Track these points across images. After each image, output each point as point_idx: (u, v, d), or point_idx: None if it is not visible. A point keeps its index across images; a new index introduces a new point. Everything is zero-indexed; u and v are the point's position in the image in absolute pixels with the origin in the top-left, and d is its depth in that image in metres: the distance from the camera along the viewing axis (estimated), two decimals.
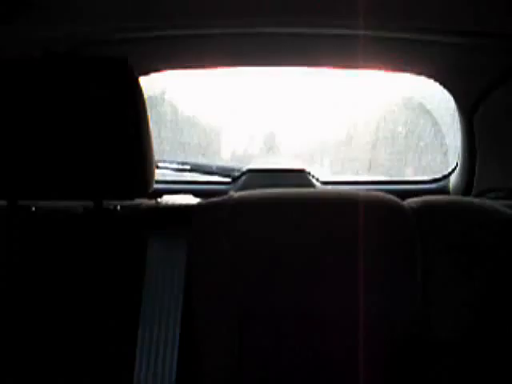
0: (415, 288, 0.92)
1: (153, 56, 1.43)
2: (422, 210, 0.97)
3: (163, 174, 1.67)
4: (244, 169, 1.68)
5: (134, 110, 0.91)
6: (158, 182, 1.00)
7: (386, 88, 1.92)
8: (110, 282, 0.95)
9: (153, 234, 0.98)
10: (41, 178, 0.93)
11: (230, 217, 0.95)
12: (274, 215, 0.96)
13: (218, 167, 1.73)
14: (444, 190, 1.69)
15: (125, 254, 0.97)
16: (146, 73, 1.50)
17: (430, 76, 1.51)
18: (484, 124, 1.50)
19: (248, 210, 0.97)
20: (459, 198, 1.48)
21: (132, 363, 0.89)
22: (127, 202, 1.03)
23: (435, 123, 1.84)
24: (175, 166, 1.72)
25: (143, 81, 1.28)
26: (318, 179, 1.66)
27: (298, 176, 1.65)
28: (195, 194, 1.14)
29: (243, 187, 1.60)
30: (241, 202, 0.98)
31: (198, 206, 1.02)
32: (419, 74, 1.51)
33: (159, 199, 1.08)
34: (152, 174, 0.96)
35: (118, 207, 1.02)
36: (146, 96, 0.95)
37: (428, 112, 1.85)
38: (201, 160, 1.92)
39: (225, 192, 1.09)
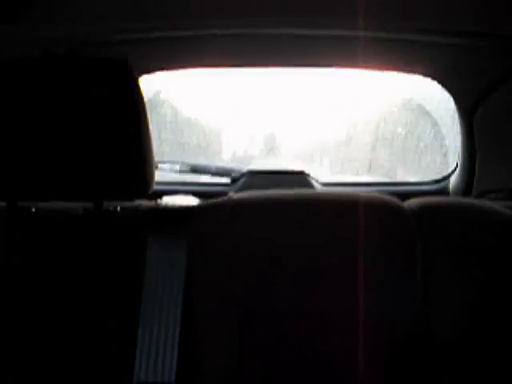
0: (415, 288, 0.92)
1: (153, 56, 1.43)
2: (422, 211, 0.97)
3: (163, 175, 1.67)
4: (244, 170, 1.68)
5: (133, 110, 0.91)
6: (157, 182, 1.00)
7: (386, 89, 1.93)
8: (110, 283, 0.95)
9: (153, 234, 0.98)
10: (41, 179, 0.93)
11: (230, 218, 0.95)
12: (273, 216, 0.96)
13: (217, 168, 1.73)
14: (444, 191, 1.69)
15: (125, 255, 0.97)
16: (146, 73, 1.50)
17: (429, 77, 1.51)
18: (484, 125, 1.50)
19: (248, 211, 0.97)
20: (459, 199, 1.48)
21: (132, 363, 0.89)
22: (127, 203, 1.03)
23: (435, 124, 1.84)
24: (175, 166, 1.71)
25: (143, 81, 1.28)
26: (317, 181, 1.66)
27: (298, 177, 1.65)
28: (195, 195, 1.14)
29: (243, 188, 1.60)
30: (241, 203, 0.98)
31: (198, 207, 1.02)
32: (419, 74, 1.51)
33: (159, 200, 1.07)
34: (152, 174, 0.96)
35: (118, 208, 1.02)
36: (145, 97, 0.95)
37: (428, 113, 1.85)
38: (201, 161, 1.92)
39: (225, 193, 1.09)
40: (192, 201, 1.09)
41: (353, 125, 2.09)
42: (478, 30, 1.15)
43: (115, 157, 0.92)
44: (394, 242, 0.94)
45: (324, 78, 1.83)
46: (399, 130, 1.99)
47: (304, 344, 0.92)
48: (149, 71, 1.50)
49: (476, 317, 0.93)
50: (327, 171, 2.04)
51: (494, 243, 0.95)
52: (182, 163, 1.73)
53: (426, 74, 1.51)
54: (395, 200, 0.99)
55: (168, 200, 1.08)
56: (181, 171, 1.71)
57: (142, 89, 0.93)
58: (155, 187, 0.98)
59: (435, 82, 1.52)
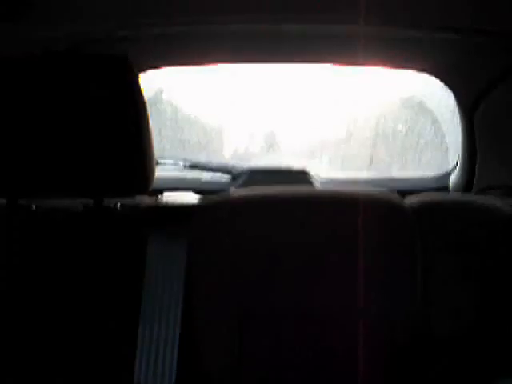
0: (415, 287, 0.92)
1: (153, 53, 1.42)
2: (422, 208, 0.97)
3: (164, 172, 1.67)
4: (244, 167, 1.68)
5: (133, 107, 0.91)
6: (158, 179, 1.00)
7: (387, 86, 1.92)
8: (110, 281, 0.95)
9: (153, 232, 0.98)
10: (41, 176, 0.93)
11: (230, 216, 0.95)
12: (273, 214, 0.96)
13: (218, 165, 1.73)
14: (444, 188, 1.68)
15: (125, 253, 0.97)
16: (146, 70, 1.50)
17: (430, 74, 1.51)
18: (484, 122, 1.50)
19: (248, 208, 0.97)
20: (459, 195, 1.48)
21: (132, 363, 0.89)
22: (127, 200, 1.03)
23: (435, 121, 1.83)
24: (175, 163, 1.71)
25: (143, 78, 1.28)
26: (318, 178, 1.66)
27: (299, 175, 1.65)
28: (195, 191, 1.13)
29: (243, 185, 1.60)
30: (241, 200, 0.98)
31: (198, 204, 1.02)
32: (420, 71, 1.51)
33: (159, 196, 1.07)
34: (152, 171, 0.96)
35: (118, 205, 1.02)
36: (146, 95, 0.95)
37: (428, 110, 1.85)
38: (201, 158, 1.91)
39: (225, 190, 1.09)
40: (192, 197, 1.08)
41: (353, 122, 2.09)
42: (479, 27, 1.15)
43: (115, 153, 0.92)
44: (394, 239, 0.94)
45: (324, 75, 1.83)
46: (399, 126, 1.98)
47: (304, 344, 0.92)
48: (149, 68, 1.49)
49: (476, 316, 0.93)
50: (327, 168, 2.04)
51: (494, 241, 0.95)
52: (183, 159, 1.73)
53: (426, 71, 1.50)
54: (395, 197, 0.99)
55: (168, 196, 1.08)
56: (181, 167, 1.71)
57: (142, 86, 0.93)
58: (155, 184, 0.98)
59: (436, 79, 1.52)
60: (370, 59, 1.46)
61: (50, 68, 0.90)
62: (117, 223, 1.00)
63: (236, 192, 1.02)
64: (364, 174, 1.99)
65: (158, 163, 1.31)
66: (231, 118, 2.09)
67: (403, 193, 1.03)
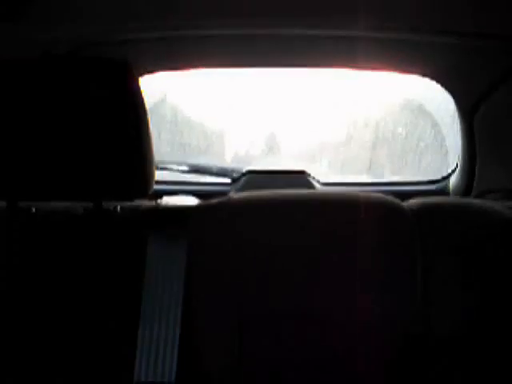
0: (415, 288, 0.92)
1: (153, 57, 1.43)
2: (421, 211, 0.97)
3: (166, 175, 1.67)
4: (244, 170, 1.68)
5: (133, 110, 0.91)
6: (157, 182, 1.00)
7: (386, 89, 1.93)
8: (110, 283, 0.95)
9: (153, 234, 0.98)
10: (41, 179, 0.93)
11: (230, 218, 0.95)
12: (273, 216, 0.96)
13: (218, 168, 1.73)
14: (444, 191, 1.69)
15: (125, 255, 0.97)
16: (147, 73, 1.50)
17: (430, 77, 1.51)
18: (484, 125, 1.50)
19: (247, 211, 0.97)
20: (459, 199, 1.48)
21: (132, 363, 0.89)
22: (127, 203, 1.03)
23: (435, 124, 1.84)
24: (175, 166, 1.71)
25: (143, 82, 1.28)
26: (318, 181, 1.66)
27: (298, 177, 1.65)
28: (195, 194, 1.14)
29: (243, 188, 1.60)
30: (240, 203, 0.98)
31: (198, 207, 1.02)
32: (419, 75, 1.51)
33: (159, 200, 1.08)
34: (152, 174, 0.96)
35: (118, 208, 1.02)
36: (145, 97, 0.95)
37: (428, 113, 1.85)
38: (201, 161, 1.92)
39: (225, 193, 1.09)
40: (192, 201, 1.09)
41: (353, 125, 2.09)
42: (478, 30, 1.15)
43: (115, 157, 0.92)
44: (394, 242, 0.94)
45: (325, 79, 1.83)
46: (399, 130, 1.99)
47: (304, 344, 0.92)
48: (149, 71, 1.50)
49: (476, 317, 0.93)
50: (327, 171, 2.04)
51: (493, 243, 0.95)
52: (183, 163, 1.73)
53: (426, 75, 1.51)
54: (395, 200, 0.99)
55: (168, 200, 1.08)
56: (181, 171, 1.71)
57: (142, 89, 0.93)
58: (155, 187, 0.98)
59: (435, 83, 1.52)
60: (369, 63, 1.46)
61: (50, 71, 0.91)
62: (117, 225, 1.00)
63: (236, 194, 1.02)
64: (364, 178, 2.00)
65: (157, 167, 1.31)
66: (231, 121, 2.09)
67: (403, 196, 1.03)
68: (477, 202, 1.10)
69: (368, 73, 1.58)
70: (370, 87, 1.91)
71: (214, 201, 1.00)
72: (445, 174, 1.73)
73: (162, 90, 1.93)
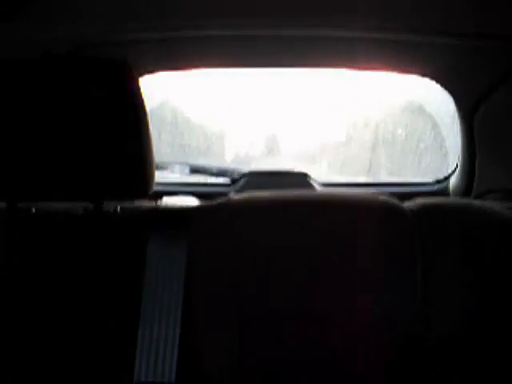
0: (415, 288, 0.92)
1: (153, 57, 1.43)
2: (421, 211, 0.97)
3: (163, 176, 1.67)
4: (244, 170, 1.68)
5: (133, 111, 0.91)
6: (158, 183, 1.00)
7: (386, 90, 1.93)
8: (110, 284, 0.95)
9: (153, 235, 0.98)
10: (41, 179, 0.93)
11: (230, 219, 0.95)
12: (273, 217, 0.96)
13: (218, 169, 1.73)
14: (444, 192, 1.69)
15: (125, 256, 0.97)
16: (147, 74, 1.50)
17: (430, 77, 1.51)
18: (484, 126, 1.50)
19: (247, 212, 0.97)
20: (459, 199, 1.48)
21: (132, 363, 0.89)
22: (127, 204, 1.03)
23: (435, 125, 1.84)
24: (175, 167, 1.71)
25: (143, 82, 1.28)
26: (318, 181, 1.66)
27: (298, 178, 1.65)
28: (195, 195, 1.14)
29: (243, 189, 1.60)
30: (240, 203, 0.98)
31: (198, 207, 1.02)
32: (419, 75, 1.51)
33: (159, 201, 1.08)
34: (152, 175, 0.96)
35: (118, 209, 1.02)
36: (145, 98, 0.95)
37: (428, 114, 1.85)
38: (201, 162, 1.92)
39: (225, 194, 1.09)
40: (192, 201, 1.09)
41: (353, 126, 2.10)
42: (478, 30, 1.15)
43: (115, 157, 0.92)
44: (394, 242, 0.94)
45: (324, 79, 1.83)
46: (399, 131, 1.99)
47: (304, 344, 0.92)
48: (149, 72, 1.50)
49: (476, 317, 0.93)
50: (327, 172, 2.05)
51: (493, 243, 0.95)
52: (183, 164, 1.73)
53: (426, 75, 1.51)
54: (395, 201, 0.99)
55: (168, 200, 1.08)
56: (181, 172, 1.71)
57: (141, 89, 0.93)
58: (155, 188, 0.98)
59: (435, 83, 1.52)
60: (370, 63, 1.46)
61: (50, 71, 0.91)
62: (117, 226, 1.00)
63: (236, 195, 1.02)
64: (363, 178, 2.00)
65: (157, 167, 1.31)
66: (231, 122, 2.09)
67: (403, 196, 1.03)
68: (477, 202, 1.11)
69: (368, 73, 1.58)
70: (369, 88, 1.91)
71: (214, 202, 1.00)
72: (445, 175, 1.73)
73: (162, 91, 1.93)
